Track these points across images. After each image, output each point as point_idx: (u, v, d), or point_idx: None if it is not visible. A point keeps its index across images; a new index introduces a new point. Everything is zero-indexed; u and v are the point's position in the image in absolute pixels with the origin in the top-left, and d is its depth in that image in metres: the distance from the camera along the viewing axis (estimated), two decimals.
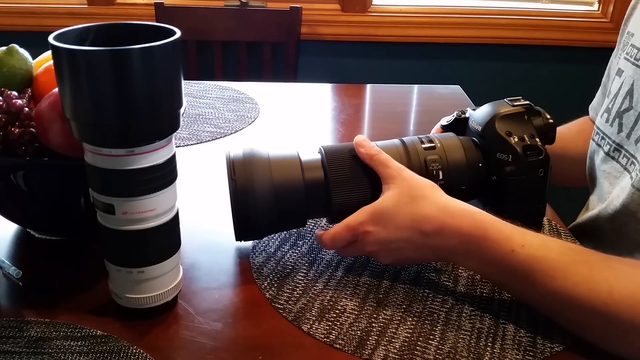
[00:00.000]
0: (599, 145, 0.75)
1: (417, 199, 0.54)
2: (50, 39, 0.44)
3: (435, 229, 0.54)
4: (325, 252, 0.63)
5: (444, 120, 0.69)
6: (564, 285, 0.49)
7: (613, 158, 0.71)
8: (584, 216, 0.77)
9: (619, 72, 0.75)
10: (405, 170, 0.57)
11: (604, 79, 0.87)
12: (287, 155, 0.59)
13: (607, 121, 0.74)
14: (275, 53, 1.71)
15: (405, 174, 0.56)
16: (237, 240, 0.60)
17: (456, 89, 1.20)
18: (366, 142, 0.59)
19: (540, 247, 0.51)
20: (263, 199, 0.56)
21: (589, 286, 0.48)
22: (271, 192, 0.57)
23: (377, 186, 0.58)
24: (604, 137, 0.74)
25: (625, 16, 0.82)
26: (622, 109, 0.71)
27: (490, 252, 0.52)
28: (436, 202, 0.54)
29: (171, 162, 0.49)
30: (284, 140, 0.95)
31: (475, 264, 0.55)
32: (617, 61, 0.78)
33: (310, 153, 0.61)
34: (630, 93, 0.70)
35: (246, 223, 0.58)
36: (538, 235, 0.53)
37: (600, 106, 0.86)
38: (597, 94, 0.89)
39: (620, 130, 0.70)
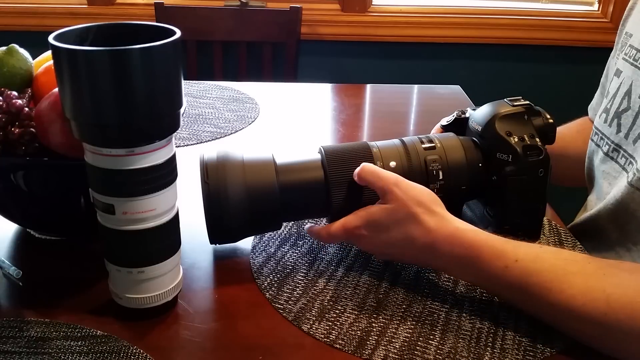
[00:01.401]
0: (598, 146, 0.75)
1: (411, 217, 0.54)
2: (50, 39, 0.44)
3: (427, 247, 0.54)
4: (325, 252, 0.63)
5: (444, 120, 0.69)
6: (560, 298, 0.49)
7: (612, 158, 0.71)
8: (582, 216, 0.77)
9: (618, 73, 0.75)
10: (399, 183, 0.55)
11: (602, 80, 0.87)
12: (261, 158, 0.59)
13: (605, 121, 0.74)
14: (275, 53, 1.71)
15: (400, 188, 0.55)
16: (211, 243, 0.60)
17: (456, 89, 1.20)
18: (358, 169, 0.57)
19: (533, 260, 0.51)
20: (236, 202, 0.56)
21: (585, 297, 0.48)
22: (244, 195, 0.57)
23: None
24: (603, 137, 0.74)
25: (623, 16, 0.82)
26: (620, 109, 0.71)
27: (484, 270, 0.52)
28: (430, 219, 0.54)
29: (171, 162, 0.49)
30: (284, 140, 0.95)
31: (469, 279, 0.56)
32: (616, 62, 0.78)
33: (310, 153, 0.61)
34: (628, 93, 0.70)
35: (219, 226, 0.57)
36: (532, 247, 0.53)
37: (599, 106, 0.85)
38: (596, 94, 0.89)
39: (618, 130, 0.70)
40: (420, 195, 0.55)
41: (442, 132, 0.69)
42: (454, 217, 0.55)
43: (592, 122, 0.87)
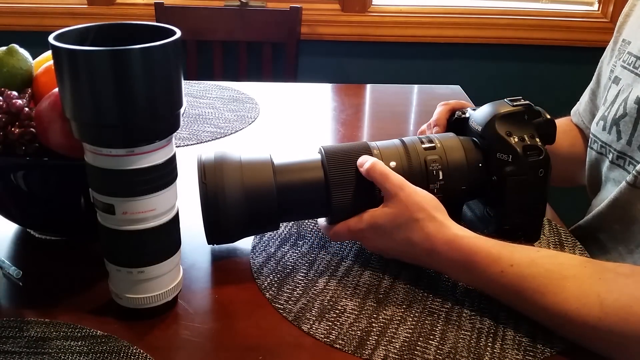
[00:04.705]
0: (601, 154, 0.74)
1: (412, 222, 0.55)
2: (50, 39, 0.44)
3: (427, 252, 0.55)
4: (326, 252, 0.63)
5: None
6: (554, 302, 0.49)
7: (619, 165, 0.71)
8: (584, 218, 0.77)
9: (616, 80, 0.75)
10: (404, 187, 0.56)
11: (592, 86, 0.86)
12: (259, 158, 0.59)
13: (604, 129, 0.73)
14: (275, 53, 1.71)
15: (404, 192, 0.56)
16: (209, 243, 0.60)
17: (456, 89, 1.20)
18: (363, 159, 0.58)
19: (528, 265, 0.52)
20: (234, 202, 0.56)
21: (579, 302, 0.48)
22: (242, 195, 0.57)
23: (377, 187, 0.58)
24: (604, 145, 0.73)
25: (619, 23, 0.81)
26: (617, 116, 0.70)
27: (480, 275, 0.53)
28: (430, 225, 0.55)
29: (171, 162, 0.49)
30: (284, 140, 0.95)
31: (468, 282, 0.57)
32: (613, 69, 0.78)
33: (310, 153, 0.61)
34: (626, 100, 0.70)
35: (217, 227, 0.57)
36: (528, 252, 0.53)
37: (587, 113, 0.85)
38: (583, 100, 0.88)
39: (619, 137, 0.70)
40: (423, 201, 0.56)
41: (442, 130, 0.69)
42: (454, 224, 0.56)
43: (577, 127, 0.87)
